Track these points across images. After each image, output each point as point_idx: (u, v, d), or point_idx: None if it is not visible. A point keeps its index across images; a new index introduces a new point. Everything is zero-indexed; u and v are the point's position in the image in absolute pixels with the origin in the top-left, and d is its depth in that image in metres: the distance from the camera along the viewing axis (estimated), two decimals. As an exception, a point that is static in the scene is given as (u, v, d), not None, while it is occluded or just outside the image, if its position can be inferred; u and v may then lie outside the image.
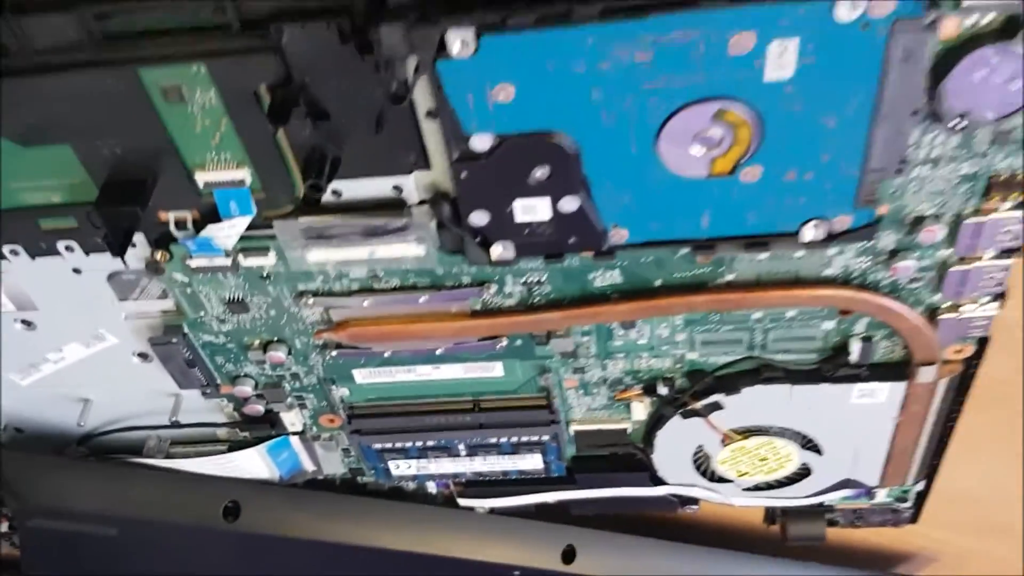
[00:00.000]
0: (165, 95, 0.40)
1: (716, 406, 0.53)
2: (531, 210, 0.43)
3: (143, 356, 0.55)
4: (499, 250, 0.45)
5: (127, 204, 0.43)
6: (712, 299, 0.47)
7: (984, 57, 0.36)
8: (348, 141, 0.41)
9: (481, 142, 0.40)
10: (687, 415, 0.55)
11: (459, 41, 0.36)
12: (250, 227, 0.45)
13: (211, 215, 0.45)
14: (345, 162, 0.42)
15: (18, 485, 0.60)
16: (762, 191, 0.41)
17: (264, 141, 0.42)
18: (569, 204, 0.42)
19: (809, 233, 0.43)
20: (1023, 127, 0.39)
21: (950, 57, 0.36)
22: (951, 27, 0.36)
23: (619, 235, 0.44)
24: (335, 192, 0.44)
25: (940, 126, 0.39)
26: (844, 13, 0.34)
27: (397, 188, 0.44)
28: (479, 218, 0.43)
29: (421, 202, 0.44)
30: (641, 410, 0.56)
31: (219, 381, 0.56)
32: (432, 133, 0.41)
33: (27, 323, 0.53)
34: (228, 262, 0.47)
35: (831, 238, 0.43)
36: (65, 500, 0.60)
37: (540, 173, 0.41)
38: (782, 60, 0.36)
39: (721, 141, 0.39)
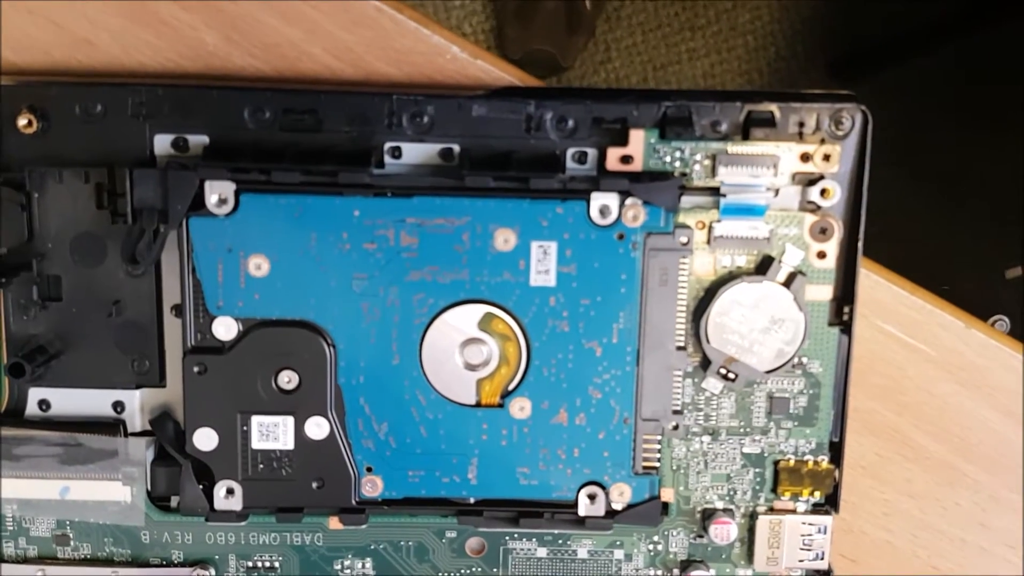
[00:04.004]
0: None
1: None
2: (271, 433, 0.36)
3: None
4: (224, 493, 0.37)
5: None
6: (482, 608, 0.39)
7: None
8: (75, 335, 0.37)
9: (225, 328, 0.36)
10: None
11: (217, 195, 0.35)
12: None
13: None
14: (65, 363, 0.37)
15: None
16: (533, 436, 0.37)
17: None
18: (318, 428, 0.36)
19: (585, 504, 0.38)
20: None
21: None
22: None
23: (373, 485, 0.37)
24: (43, 403, 0.37)
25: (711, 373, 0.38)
26: (599, 215, 0.35)
27: (119, 406, 0.37)
28: (206, 440, 0.36)
29: (143, 432, 0.38)
30: None
31: None
32: (175, 338, 0.37)
33: None
34: None
35: (611, 515, 0.38)
36: None
37: (288, 380, 0.36)
38: (544, 264, 0.36)
39: (488, 357, 0.37)
